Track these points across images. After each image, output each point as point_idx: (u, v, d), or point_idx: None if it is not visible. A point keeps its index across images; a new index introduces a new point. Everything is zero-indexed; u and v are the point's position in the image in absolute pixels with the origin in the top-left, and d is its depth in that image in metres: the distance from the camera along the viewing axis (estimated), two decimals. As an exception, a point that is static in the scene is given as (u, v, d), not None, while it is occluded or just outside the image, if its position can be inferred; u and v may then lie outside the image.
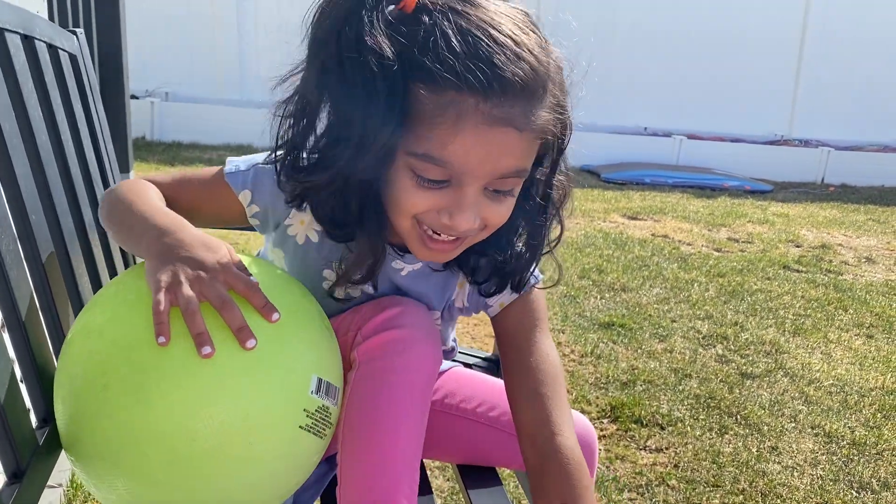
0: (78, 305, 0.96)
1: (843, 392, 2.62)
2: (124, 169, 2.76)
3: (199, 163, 5.95)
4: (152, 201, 0.85)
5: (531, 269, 0.94)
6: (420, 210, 0.79)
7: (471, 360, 1.48)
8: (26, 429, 0.75)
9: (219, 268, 0.71)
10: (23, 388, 0.78)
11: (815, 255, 4.54)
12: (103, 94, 1.36)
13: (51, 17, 2.10)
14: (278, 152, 0.85)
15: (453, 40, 0.71)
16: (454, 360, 1.25)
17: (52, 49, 1.05)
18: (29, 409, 0.79)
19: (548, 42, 0.79)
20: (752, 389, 2.58)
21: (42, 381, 0.82)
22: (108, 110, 1.33)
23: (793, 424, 2.36)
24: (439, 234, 0.81)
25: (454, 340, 1.15)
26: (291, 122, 0.82)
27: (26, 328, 0.80)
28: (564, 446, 0.88)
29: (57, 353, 0.89)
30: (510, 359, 0.96)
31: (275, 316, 0.72)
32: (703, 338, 3.04)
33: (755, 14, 8.59)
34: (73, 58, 1.15)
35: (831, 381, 2.70)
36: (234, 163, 0.93)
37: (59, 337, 0.89)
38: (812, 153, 8.03)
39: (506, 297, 0.97)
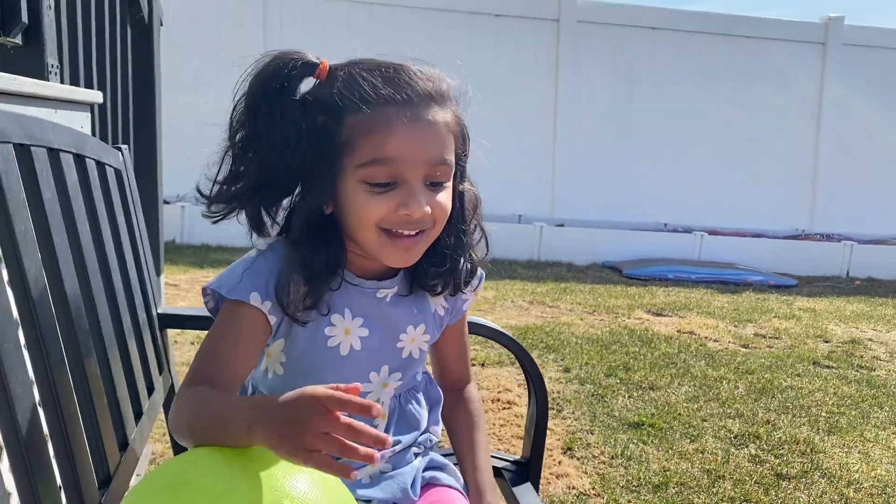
0: (116, 411, 0.98)
1: (886, 493, 2.52)
2: (156, 272, 2.84)
3: (227, 264, 6.03)
4: (216, 396, 0.89)
5: (472, 269, 1.10)
6: (379, 216, 0.94)
7: (498, 464, 1.45)
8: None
9: (324, 411, 0.74)
10: (63, 496, 0.79)
11: (844, 351, 4.47)
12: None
13: (93, 129, 2.21)
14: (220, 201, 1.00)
15: (368, 76, 0.93)
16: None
17: (100, 165, 1.11)
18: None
19: (441, 71, 1.00)
20: (789, 491, 2.50)
21: (79, 489, 0.83)
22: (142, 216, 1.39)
23: (834, 529, 2.27)
24: (402, 233, 0.95)
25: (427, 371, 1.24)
26: (238, 175, 0.98)
27: (68, 435, 0.81)
28: (476, 392, 1.27)
29: (96, 460, 0.91)
30: (452, 341, 1.21)
31: (389, 441, 0.74)
32: (734, 437, 2.97)
33: (770, 113, 8.79)
34: (118, 172, 1.21)
35: (871, 482, 2.61)
36: (220, 281, 1.01)
37: (97, 444, 0.91)
38: (835, 247, 8.02)
39: (470, 294, 1.16)
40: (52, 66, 1.96)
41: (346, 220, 0.97)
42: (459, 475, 1.19)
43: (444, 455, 1.25)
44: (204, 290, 1.04)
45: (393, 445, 1.11)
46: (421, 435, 1.17)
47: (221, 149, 0.99)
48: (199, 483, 0.74)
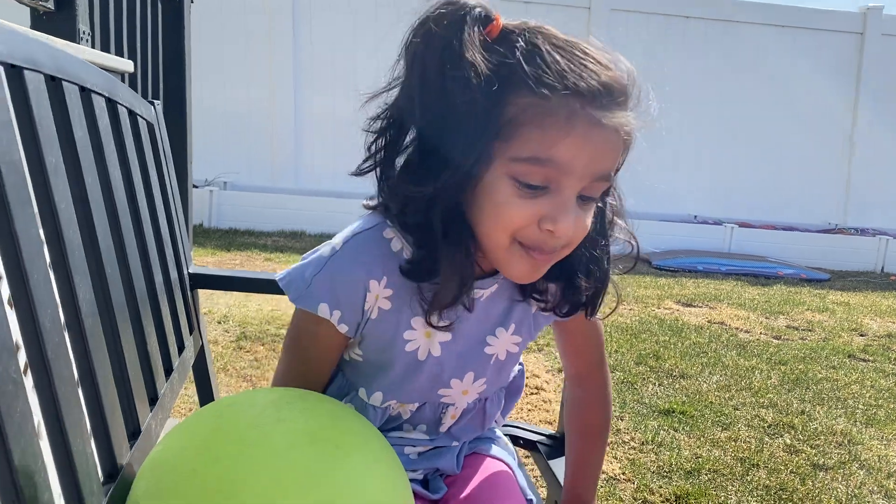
0: (146, 364, 0.95)
1: (927, 486, 2.45)
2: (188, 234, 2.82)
3: (255, 248, 6.06)
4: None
5: (602, 292, 0.95)
6: (521, 222, 0.78)
7: (534, 437, 1.41)
8: (94, 484, 0.73)
9: None
10: (92, 444, 0.77)
11: (881, 345, 4.36)
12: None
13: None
14: (366, 164, 0.85)
15: (552, 52, 0.76)
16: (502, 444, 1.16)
17: (133, 115, 1.09)
18: (97, 467, 0.77)
19: (614, 52, 0.82)
20: (827, 482, 2.43)
21: (109, 438, 0.80)
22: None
23: (874, 520, 2.20)
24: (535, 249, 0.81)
25: (521, 363, 1.11)
26: (385, 136, 0.83)
27: (99, 386, 0.79)
28: (609, 396, 1.10)
29: (126, 412, 0.88)
30: (574, 335, 1.06)
31: None
32: (768, 427, 2.90)
33: (805, 104, 8.62)
34: (150, 126, 1.18)
35: (912, 475, 2.53)
36: (289, 279, 0.91)
37: (127, 394, 0.88)
38: (869, 241, 7.85)
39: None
40: (84, 32, 1.94)
41: (478, 214, 0.81)
42: (512, 449, 1.13)
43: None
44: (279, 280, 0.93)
45: (455, 441, 1.06)
46: None
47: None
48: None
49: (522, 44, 0.77)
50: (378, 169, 0.85)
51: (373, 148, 0.84)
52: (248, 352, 3.28)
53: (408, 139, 0.82)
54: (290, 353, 0.94)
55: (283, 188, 7.47)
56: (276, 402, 0.78)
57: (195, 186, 6.58)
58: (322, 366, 0.96)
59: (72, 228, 0.76)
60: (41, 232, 0.70)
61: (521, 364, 1.11)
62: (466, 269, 0.84)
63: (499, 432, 1.17)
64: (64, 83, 0.80)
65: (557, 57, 0.75)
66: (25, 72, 0.70)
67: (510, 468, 1.09)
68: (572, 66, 0.75)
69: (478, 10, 0.78)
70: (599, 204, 0.88)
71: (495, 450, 1.11)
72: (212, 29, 7.18)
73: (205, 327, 1.35)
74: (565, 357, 1.10)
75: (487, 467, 1.07)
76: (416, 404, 1.00)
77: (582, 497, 1.08)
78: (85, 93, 0.87)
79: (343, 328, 0.90)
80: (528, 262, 0.82)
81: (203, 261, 5.35)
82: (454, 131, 0.76)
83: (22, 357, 0.67)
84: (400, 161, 0.83)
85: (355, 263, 0.87)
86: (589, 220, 0.83)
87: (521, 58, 0.76)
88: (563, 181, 0.77)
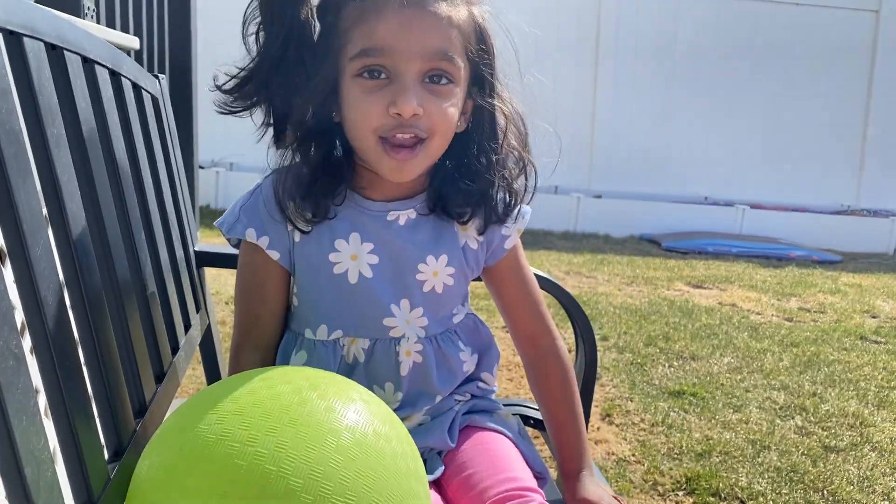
0: (152, 340, 0.93)
1: (940, 469, 2.42)
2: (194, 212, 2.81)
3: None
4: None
5: (509, 196, 1.01)
6: (373, 114, 0.86)
7: (541, 416, 1.39)
8: (99, 462, 0.72)
9: None
10: (98, 423, 0.75)
11: (893, 327, 4.32)
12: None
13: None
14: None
15: None
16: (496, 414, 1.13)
17: (137, 88, 1.06)
18: (102, 445, 0.75)
19: None
20: (838, 464, 2.41)
21: (115, 415, 0.79)
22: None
23: (887, 502, 2.18)
24: (397, 141, 0.88)
25: (474, 314, 1.12)
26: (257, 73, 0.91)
27: (104, 363, 0.77)
28: (562, 349, 1.09)
29: (132, 390, 0.87)
30: (509, 285, 1.09)
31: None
32: (779, 408, 2.88)
33: (818, 83, 8.52)
34: (155, 99, 1.16)
35: (925, 457, 2.51)
36: (223, 218, 0.99)
37: (133, 371, 0.87)
38: (882, 223, 7.78)
39: (510, 226, 1.04)
40: (88, 7, 1.92)
41: (348, 127, 0.91)
42: (512, 421, 1.10)
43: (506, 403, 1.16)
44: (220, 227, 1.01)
45: (435, 396, 1.04)
46: (467, 383, 1.10)
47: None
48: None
49: None
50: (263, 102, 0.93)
51: (243, 78, 0.92)
52: (256, 332, 3.28)
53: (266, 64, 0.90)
54: (239, 295, 1.01)
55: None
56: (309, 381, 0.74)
57: (201, 167, 6.57)
58: (267, 304, 1.00)
59: (75, 202, 0.74)
60: (43, 206, 0.68)
61: (472, 314, 1.11)
62: (341, 174, 0.94)
63: (495, 402, 1.13)
64: (66, 52, 0.77)
65: None
66: (25, 38, 0.68)
67: (511, 440, 1.06)
68: None
69: None
70: (484, 105, 0.95)
71: (492, 421, 1.08)
72: (217, 15, 7.13)
73: (212, 306, 1.34)
74: (506, 315, 1.12)
75: (485, 440, 1.04)
76: (368, 341, 0.99)
77: (574, 468, 1.03)
78: (88, 64, 0.85)
79: (274, 255, 0.96)
80: (393, 156, 0.88)
81: (210, 241, 5.33)
82: (306, 58, 0.88)
83: (26, 335, 0.65)
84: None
85: (273, 190, 0.95)
86: (450, 108, 0.89)
87: None
88: (396, 66, 0.85)
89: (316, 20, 0.89)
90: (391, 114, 0.86)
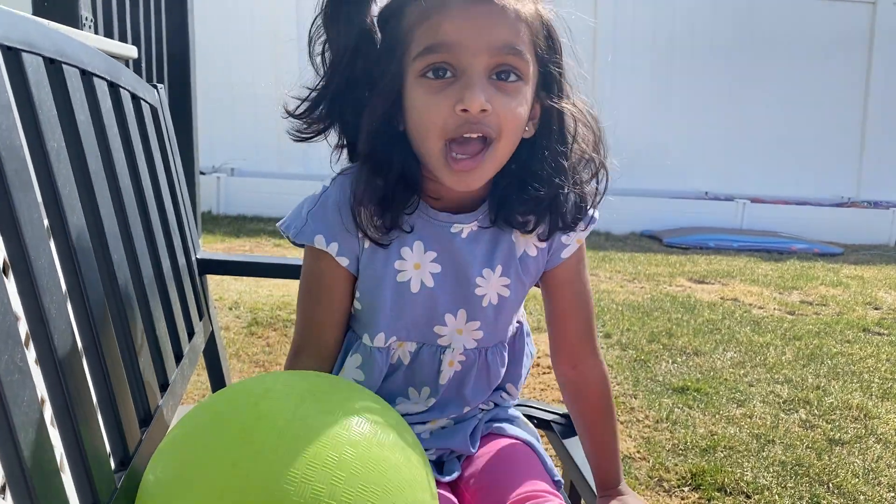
0: (156, 349, 0.94)
1: (945, 459, 2.43)
2: (195, 222, 2.82)
3: (263, 234, 6.07)
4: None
5: (580, 201, 0.96)
6: (440, 114, 0.83)
7: (548, 416, 1.40)
8: (106, 471, 0.73)
9: None
10: (104, 433, 0.76)
11: (896, 318, 4.32)
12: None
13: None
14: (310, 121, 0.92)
15: None
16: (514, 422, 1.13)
17: (136, 99, 1.07)
18: (108, 454, 0.76)
19: None
20: (843, 456, 2.41)
21: (121, 425, 0.80)
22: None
23: (893, 494, 2.18)
24: (461, 152, 0.84)
25: (522, 322, 1.10)
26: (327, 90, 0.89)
27: (108, 373, 0.78)
28: (606, 375, 1.05)
29: (136, 397, 0.87)
30: (561, 294, 1.03)
31: None
32: (783, 402, 2.88)
33: (816, 75, 8.51)
34: (153, 109, 1.17)
35: (930, 448, 2.51)
36: (288, 220, 0.97)
37: (137, 380, 0.87)
38: (883, 215, 7.77)
39: (575, 235, 1.00)
40: (86, 18, 1.93)
41: (414, 134, 0.87)
42: (533, 429, 1.10)
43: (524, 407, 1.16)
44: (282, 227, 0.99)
45: (464, 406, 1.04)
46: (493, 392, 1.08)
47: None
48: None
49: None
50: (336, 122, 0.91)
51: (312, 99, 0.90)
52: (259, 337, 3.29)
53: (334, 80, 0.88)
54: (302, 301, 0.98)
55: (290, 173, 7.45)
56: (310, 391, 0.75)
57: (202, 173, 6.58)
58: (332, 311, 0.98)
59: (76, 214, 0.75)
60: (45, 218, 0.69)
61: (521, 323, 1.08)
62: (410, 186, 0.90)
63: (517, 412, 1.14)
64: (64, 66, 0.78)
65: None
66: (23, 54, 0.68)
67: (533, 448, 1.06)
68: None
69: None
70: (552, 103, 0.91)
71: (514, 429, 1.08)
72: (215, 14, 7.14)
73: (215, 313, 1.35)
74: (550, 326, 1.07)
75: (506, 447, 1.05)
76: (415, 345, 0.99)
77: (612, 479, 1.04)
78: (86, 76, 0.86)
79: (343, 261, 0.94)
80: (455, 167, 0.85)
81: (213, 248, 5.35)
82: (372, 68, 0.85)
83: (30, 345, 0.66)
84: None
85: (344, 193, 0.93)
86: (519, 107, 0.85)
87: None
88: (462, 62, 0.82)
89: (378, 28, 0.87)
90: (458, 111, 0.82)
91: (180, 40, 2.82)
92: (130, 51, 1.94)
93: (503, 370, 1.06)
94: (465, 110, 0.81)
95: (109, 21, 2.15)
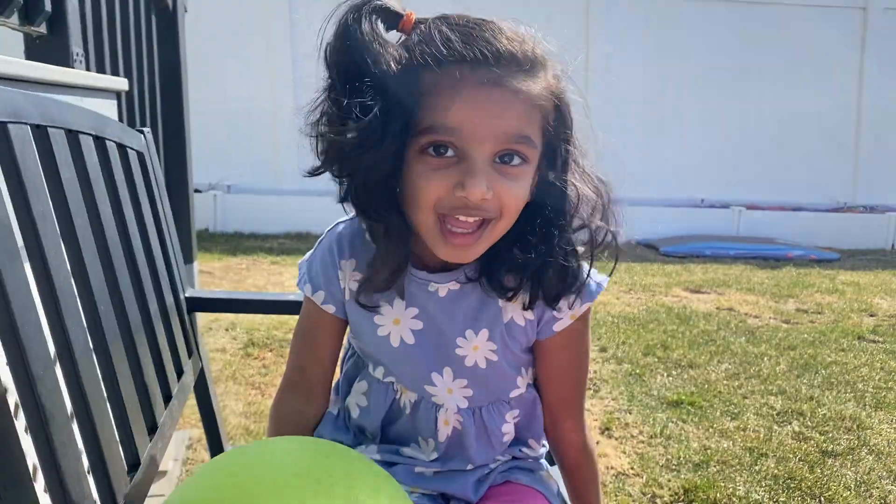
0: (144, 394, 0.97)
1: (936, 470, 2.45)
2: (188, 260, 2.85)
3: (261, 251, 6.09)
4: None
5: (571, 275, 0.92)
6: (437, 192, 0.81)
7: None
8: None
9: None
10: (90, 479, 0.78)
11: (891, 325, 4.34)
12: (168, 188, 1.41)
13: (119, 117, 2.22)
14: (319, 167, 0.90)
15: (446, 30, 0.81)
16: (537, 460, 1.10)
17: (122, 148, 1.10)
18: (96, 501, 0.79)
19: (538, 33, 0.86)
20: (835, 468, 2.43)
21: (108, 472, 0.82)
22: (172, 203, 1.38)
23: (883, 506, 2.20)
24: (458, 226, 0.83)
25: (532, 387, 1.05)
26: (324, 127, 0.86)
27: (97, 429, 0.80)
28: (593, 449, 1.06)
29: (124, 442, 0.90)
30: (548, 360, 1.00)
31: None
32: (777, 414, 2.91)
33: (809, 82, 8.54)
34: (140, 155, 1.20)
35: (922, 459, 2.53)
36: (299, 269, 1.05)
37: (125, 426, 0.90)
38: (879, 219, 7.80)
39: (575, 306, 0.95)
40: (77, 54, 1.96)
41: (408, 198, 0.84)
42: (552, 483, 1.08)
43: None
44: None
45: (467, 464, 1.03)
46: (510, 446, 1.06)
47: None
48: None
49: (423, 28, 0.83)
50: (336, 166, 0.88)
51: (320, 147, 0.88)
52: (256, 358, 3.31)
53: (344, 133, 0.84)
54: (294, 341, 1.05)
55: (287, 189, 7.49)
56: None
57: (198, 191, 6.61)
58: (319, 356, 1.04)
59: (62, 274, 0.78)
60: (32, 281, 0.72)
61: (531, 386, 1.04)
62: (398, 254, 0.89)
63: (543, 463, 1.11)
64: (49, 130, 0.81)
65: (449, 33, 0.80)
66: (10, 125, 0.71)
67: (547, 499, 1.03)
68: (463, 38, 0.79)
69: (382, 9, 0.82)
70: (557, 182, 0.88)
71: (531, 480, 1.05)
72: (207, 31, 7.18)
73: (204, 349, 1.37)
74: (538, 380, 1.05)
75: (520, 495, 1.02)
76: (415, 395, 1.01)
77: None
78: (72, 134, 0.89)
79: (329, 308, 0.99)
80: (451, 241, 0.84)
81: (210, 266, 5.38)
82: (372, 115, 0.79)
83: (12, 398, 0.69)
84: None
85: (331, 246, 0.99)
86: (519, 189, 0.84)
87: (414, 41, 0.82)
88: (467, 146, 0.80)
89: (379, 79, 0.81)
90: (457, 195, 0.80)
91: (173, 67, 2.85)
92: (122, 83, 1.97)
93: (507, 427, 1.03)
94: (464, 197, 0.80)
95: (101, 54, 2.18)
